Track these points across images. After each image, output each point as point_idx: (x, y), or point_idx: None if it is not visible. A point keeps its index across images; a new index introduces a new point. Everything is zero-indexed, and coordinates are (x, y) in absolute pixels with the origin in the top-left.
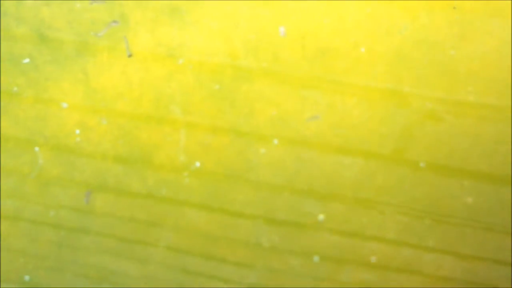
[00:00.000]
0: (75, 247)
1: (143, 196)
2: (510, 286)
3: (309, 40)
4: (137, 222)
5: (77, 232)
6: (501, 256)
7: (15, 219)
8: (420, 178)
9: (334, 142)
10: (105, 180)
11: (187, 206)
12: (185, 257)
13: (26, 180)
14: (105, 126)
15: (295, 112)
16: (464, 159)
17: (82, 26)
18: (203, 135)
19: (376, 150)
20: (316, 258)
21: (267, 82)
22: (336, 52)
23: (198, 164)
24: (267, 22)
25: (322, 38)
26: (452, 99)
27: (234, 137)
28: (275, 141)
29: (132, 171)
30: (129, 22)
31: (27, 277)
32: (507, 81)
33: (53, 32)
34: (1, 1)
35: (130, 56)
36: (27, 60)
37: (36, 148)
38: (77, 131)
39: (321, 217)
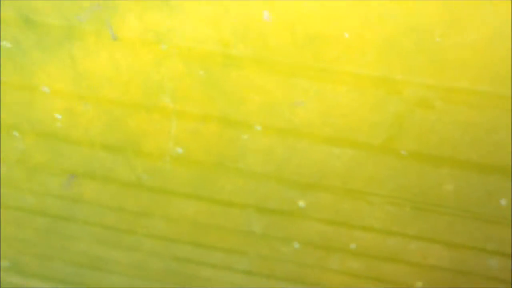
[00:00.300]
0: (63, 234)
1: (131, 184)
2: (497, 275)
3: (298, 27)
4: (125, 210)
5: (65, 220)
6: (488, 245)
7: (2, 206)
8: (409, 167)
9: (324, 131)
10: (92, 168)
11: (175, 194)
12: (174, 245)
13: (13, 167)
14: (92, 112)
15: (284, 100)
16: (454, 148)
17: (68, 10)
18: (192, 123)
19: (366, 139)
20: (302, 246)
21: (257, 70)
22: (325, 39)
23: (187, 152)
24: (256, 9)
25: (311, 25)
26: (444, 86)
27: (223, 125)
28: (263, 129)
29: (120, 158)
30: (117, 7)
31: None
32: (499, 68)
33: (39, 16)
34: None
35: (115, 39)
36: (9, 45)
37: (16, 133)
38: (62, 117)
39: (302, 204)
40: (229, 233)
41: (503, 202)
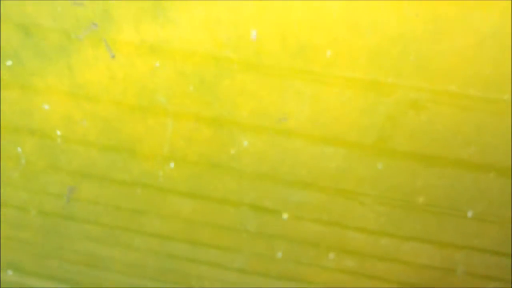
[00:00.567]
0: (62, 234)
1: (128, 184)
2: (488, 273)
3: (289, 36)
4: (122, 209)
5: (63, 220)
6: (479, 244)
7: (2, 205)
8: (400, 167)
9: (316, 133)
10: (90, 170)
11: (171, 194)
12: (170, 243)
13: (13, 169)
14: (90, 118)
15: (277, 104)
16: (444, 148)
17: (67, 25)
18: (186, 126)
19: (358, 140)
20: (295, 245)
21: (249, 75)
22: (316, 47)
23: (182, 154)
24: (247, 19)
25: (302, 34)
26: (433, 89)
27: (217, 127)
28: (256, 131)
29: (117, 160)
30: (113, 19)
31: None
32: (485, 73)
33: (39, 29)
34: None
35: (113, 57)
36: (9, 63)
37: (19, 149)
38: (62, 124)
39: (295, 204)
40: (224, 231)
41: (492, 200)
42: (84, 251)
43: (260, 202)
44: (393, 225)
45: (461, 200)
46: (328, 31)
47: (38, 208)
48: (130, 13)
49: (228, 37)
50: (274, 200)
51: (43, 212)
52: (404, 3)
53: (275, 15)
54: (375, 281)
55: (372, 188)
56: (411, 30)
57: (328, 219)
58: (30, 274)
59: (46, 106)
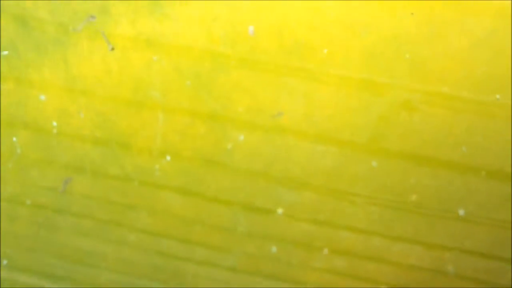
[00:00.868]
0: (53, 228)
1: (120, 179)
2: (478, 275)
3: (286, 34)
4: (114, 204)
5: (55, 213)
6: (470, 246)
7: None
8: (392, 167)
9: (309, 130)
10: (83, 163)
11: (164, 190)
12: (160, 240)
13: (5, 162)
14: (84, 111)
15: (272, 100)
16: (436, 149)
17: (64, 15)
18: (181, 122)
19: (350, 139)
20: (286, 244)
21: (245, 72)
22: (312, 45)
23: (175, 150)
24: (244, 15)
25: (299, 32)
26: (426, 90)
27: (211, 124)
28: (250, 128)
29: (109, 154)
30: (110, 12)
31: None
32: (480, 76)
33: (36, 20)
34: None
35: (112, 49)
36: (5, 52)
37: (14, 139)
38: (56, 117)
39: (287, 203)
40: (215, 229)
41: (483, 202)
42: (75, 245)
43: (253, 200)
44: (384, 225)
45: (452, 200)
46: (324, 29)
47: (32, 200)
48: (127, 7)
49: (225, 33)
50: (267, 198)
51: (36, 205)
52: (400, 4)
53: (272, 12)
54: (363, 282)
55: (364, 188)
56: (405, 31)
57: (322, 218)
58: (18, 270)
59: (42, 97)
